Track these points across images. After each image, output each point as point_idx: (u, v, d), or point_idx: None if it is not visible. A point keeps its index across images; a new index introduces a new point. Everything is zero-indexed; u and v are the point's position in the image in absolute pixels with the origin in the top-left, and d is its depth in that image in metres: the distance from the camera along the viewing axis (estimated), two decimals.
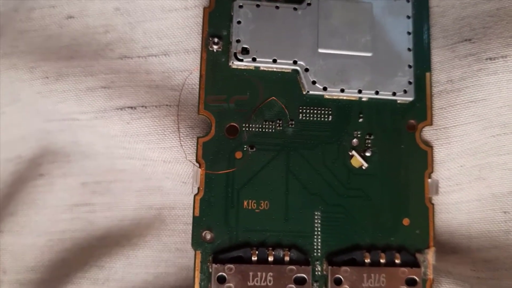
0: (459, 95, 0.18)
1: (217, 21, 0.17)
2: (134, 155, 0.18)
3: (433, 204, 0.17)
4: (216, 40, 0.16)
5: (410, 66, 0.17)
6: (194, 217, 0.15)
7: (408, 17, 0.17)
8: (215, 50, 0.16)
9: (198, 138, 0.16)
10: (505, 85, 0.17)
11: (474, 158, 0.18)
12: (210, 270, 0.15)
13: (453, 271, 0.17)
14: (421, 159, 0.17)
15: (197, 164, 0.16)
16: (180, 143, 0.17)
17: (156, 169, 0.18)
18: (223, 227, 0.16)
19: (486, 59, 0.17)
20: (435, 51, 0.18)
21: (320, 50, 0.17)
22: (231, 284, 0.15)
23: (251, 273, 0.15)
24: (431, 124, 0.17)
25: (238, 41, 0.16)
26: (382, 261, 0.16)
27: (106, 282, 0.18)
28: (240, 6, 0.16)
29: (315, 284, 0.16)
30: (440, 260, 0.17)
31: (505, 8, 0.18)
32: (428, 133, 0.17)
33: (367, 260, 0.16)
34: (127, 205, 0.19)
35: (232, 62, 0.16)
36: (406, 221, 0.16)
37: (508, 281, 0.17)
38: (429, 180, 0.17)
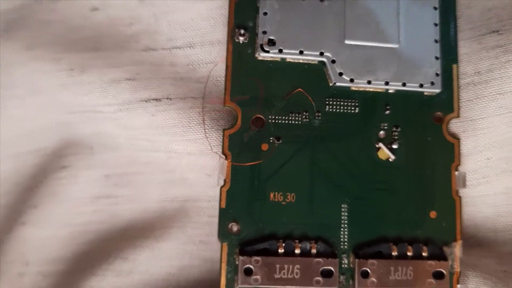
0: (487, 87, 0.17)
1: (243, 12, 0.16)
2: (158, 148, 0.18)
3: (460, 197, 0.17)
4: (242, 31, 0.16)
5: (437, 58, 0.17)
6: (220, 209, 0.15)
7: (435, 8, 0.17)
8: (241, 42, 0.16)
9: (224, 130, 0.16)
10: None
11: (501, 150, 0.18)
12: (237, 263, 0.15)
13: (479, 264, 0.17)
14: (448, 152, 0.17)
15: (223, 156, 0.16)
16: (206, 135, 0.17)
17: (180, 161, 0.18)
18: (249, 219, 0.16)
19: None
20: (462, 42, 0.18)
21: (347, 42, 0.16)
22: (257, 277, 0.15)
23: (277, 266, 0.15)
24: (458, 116, 0.17)
25: (264, 32, 0.16)
26: (409, 253, 0.16)
27: (130, 274, 0.18)
28: None
29: (341, 277, 0.16)
30: (466, 253, 0.17)
31: None
32: (455, 125, 0.17)
33: (394, 253, 0.16)
34: (151, 197, 0.19)
35: (259, 54, 0.16)
36: (433, 214, 0.16)
37: None
38: (456, 172, 0.17)
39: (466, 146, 0.18)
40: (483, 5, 0.18)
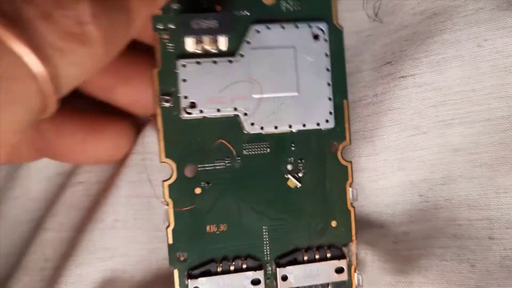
0: (381, 105, 0.23)
1: (166, 80, 0.20)
2: None
3: (354, 208, 0.21)
4: (166, 97, 0.19)
5: (330, 99, 0.21)
6: (169, 244, 0.20)
7: (326, 55, 0.21)
8: (167, 106, 0.20)
9: (163, 181, 0.20)
10: (414, 96, 0.22)
11: (394, 153, 0.23)
12: (187, 283, 0.20)
13: (377, 244, 0.23)
14: (343, 173, 0.21)
15: (166, 203, 0.20)
16: (153, 188, 0.21)
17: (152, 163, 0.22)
18: (193, 249, 0.20)
19: (400, 77, 0.22)
20: (366, 72, 0.23)
21: (254, 96, 0.20)
22: None
23: (219, 281, 0.20)
24: (349, 143, 0.21)
25: (185, 97, 0.20)
26: (317, 257, 0.21)
27: (112, 258, 0.22)
28: (183, 65, 0.19)
29: (267, 281, 0.20)
30: (369, 232, 0.23)
31: (419, 31, 0.22)
32: (356, 143, 0.22)
33: (305, 258, 0.21)
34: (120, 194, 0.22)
35: (183, 115, 0.20)
36: (334, 223, 0.21)
37: (419, 251, 0.23)
38: (350, 189, 0.21)
39: (367, 149, 0.23)
40: (383, 41, 0.23)
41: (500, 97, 0.21)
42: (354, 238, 0.21)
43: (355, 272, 0.21)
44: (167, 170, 0.20)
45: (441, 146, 0.22)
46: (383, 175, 0.23)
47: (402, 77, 0.22)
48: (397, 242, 0.23)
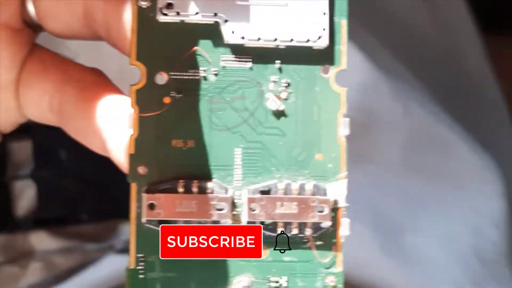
0: None
1: None
2: None
3: (345, 140, 0.19)
4: None
5: (324, 14, 0.18)
6: (130, 155, 0.18)
7: None
8: (143, 6, 0.18)
9: (131, 85, 0.18)
10: None
11: None
12: (143, 199, 0.18)
13: None
14: (334, 101, 0.19)
15: (131, 109, 0.18)
16: None
17: None
18: (155, 163, 0.18)
19: None
20: None
21: (238, 2, 0.18)
22: (160, 210, 0.17)
23: (177, 201, 0.18)
24: (345, 68, 0.19)
25: None
26: (294, 191, 0.18)
27: None
28: None
29: (234, 210, 0.18)
30: None
31: None
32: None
33: (281, 189, 0.18)
34: None
35: (159, 17, 0.18)
36: (319, 156, 0.19)
37: None
38: (342, 119, 0.19)
39: None
40: None
41: None
42: (343, 176, 0.18)
43: (341, 217, 0.18)
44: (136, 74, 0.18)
45: None
46: None
47: None
48: None
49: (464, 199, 0.34)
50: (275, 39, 0.18)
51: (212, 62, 0.18)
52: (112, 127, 0.18)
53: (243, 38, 0.18)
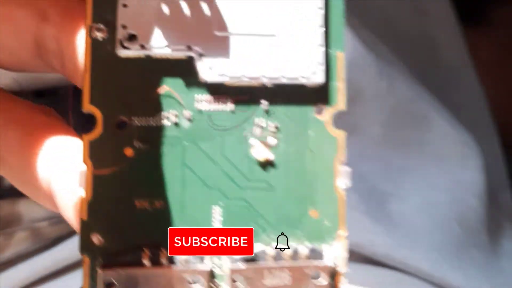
0: None
1: (102, 4, 0.15)
2: None
3: (344, 193, 0.16)
4: (99, 26, 0.15)
5: (321, 46, 0.16)
6: (81, 221, 0.14)
7: None
8: (99, 38, 0.15)
9: (82, 135, 0.15)
10: None
11: None
12: (99, 275, 0.14)
13: None
14: (331, 146, 0.16)
15: (84, 166, 0.15)
16: None
17: None
18: (113, 230, 0.15)
19: None
20: None
21: (217, 33, 0.15)
22: None
23: (141, 278, 0.14)
24: (344, 108, 0.16)
25: (124, 27, 0.15)
26: (286, 255, 0.15)
27: None
28: None
29: (213, 283, 0.15)
30: None
31: None
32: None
33: (270, 255, 0.15)
34: None
35: (119, 51, 0.15)
36: (314, 213, 0.15)
37: None
38: (340, 168, 0.16)
39: None
40: None
41: None
42: (341, 235, 0.15)
43: (339, 283, 0.15)
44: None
45: None
46: None
47: None
48: None
49: (445, 171, 0.35)
50: (261, 76, 0.15)
51: (185, 105, 0.15)
52: (60, 182, 0.15)
53: (222, 75, 0.15)
